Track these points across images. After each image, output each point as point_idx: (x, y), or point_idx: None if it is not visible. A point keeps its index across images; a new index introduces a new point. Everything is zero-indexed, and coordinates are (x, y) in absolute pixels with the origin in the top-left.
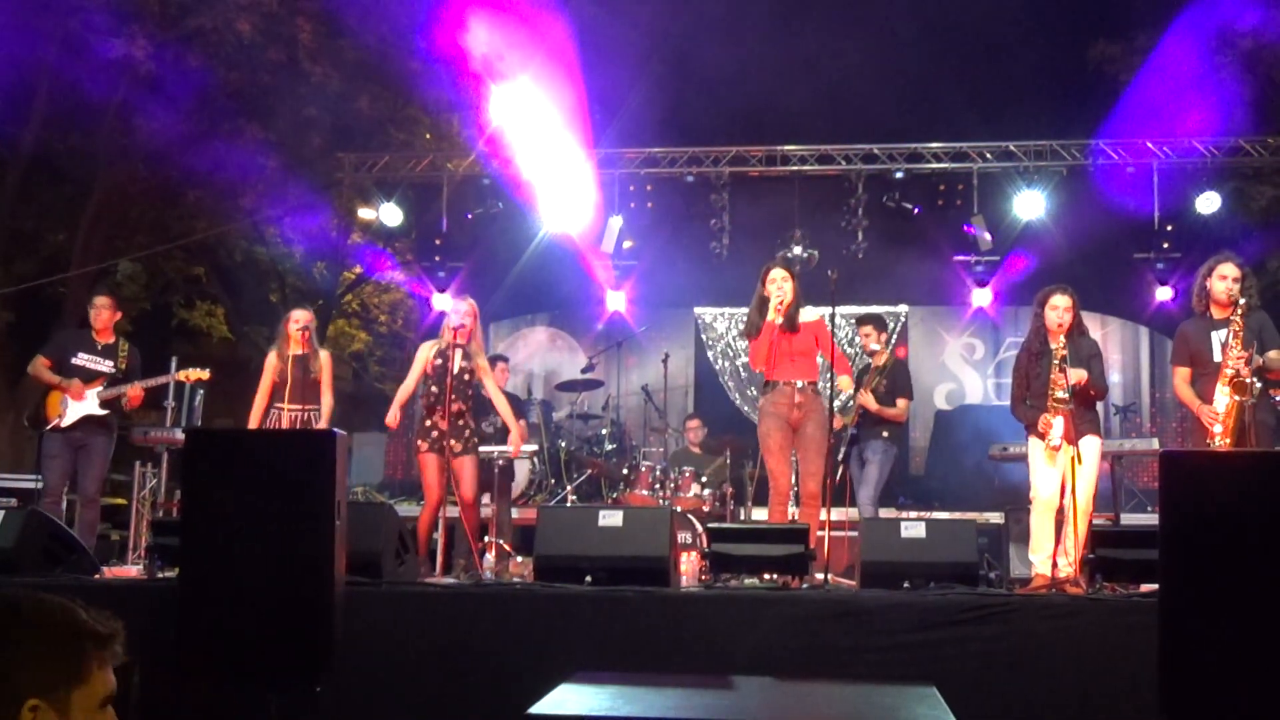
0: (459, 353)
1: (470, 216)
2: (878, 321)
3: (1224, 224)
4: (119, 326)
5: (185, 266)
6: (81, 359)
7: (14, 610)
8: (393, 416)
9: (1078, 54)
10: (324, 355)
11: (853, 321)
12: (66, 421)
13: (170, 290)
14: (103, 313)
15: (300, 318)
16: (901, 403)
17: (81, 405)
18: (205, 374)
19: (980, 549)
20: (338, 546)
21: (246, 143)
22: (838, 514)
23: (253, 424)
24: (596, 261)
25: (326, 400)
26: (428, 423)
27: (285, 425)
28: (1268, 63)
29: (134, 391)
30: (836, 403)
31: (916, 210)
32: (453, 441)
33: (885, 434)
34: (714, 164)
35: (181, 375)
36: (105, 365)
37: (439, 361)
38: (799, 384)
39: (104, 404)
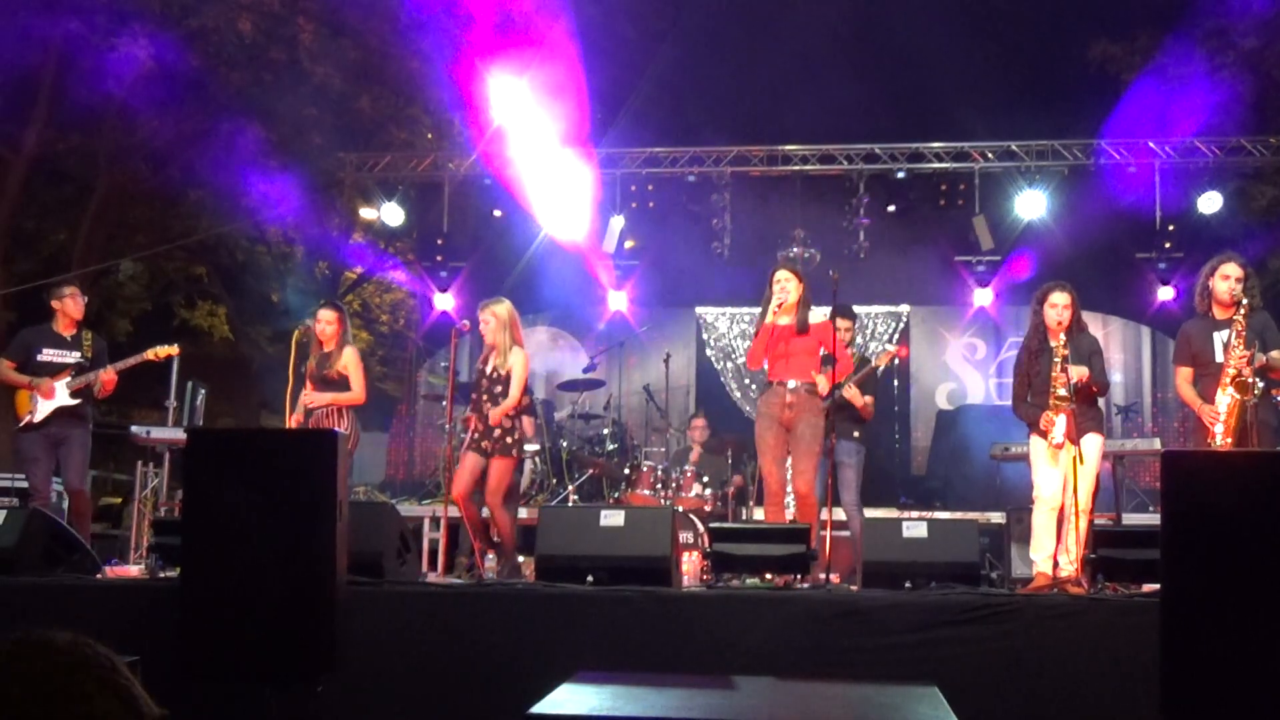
0: (490, 355)
1: (469, 219)
2: (844, 312)
3: (1226, 223)
4: (117, 328)
5: (186, 266)
6: (47, 354)
7: (84, 665)
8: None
9: (1079, 54)
10: (347, 351)
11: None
12: (39, 417)
13: (171, 290)
14: (75, 303)
15: (323, 316)
16: (869, 398)
17: (52, 400)
18: (174, 350)
19: (982, 549)
20: (339, 546)
21: (248, 142)
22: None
23: (290, 422)
24: (598, 261)
25: (353, 387)
26: (473, 423)
27: (310, 422)
28: (1269, 62)
29: (106, 376)
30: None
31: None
32: (485, 443)
33: (856, 434)
34: (715, 164)
35: (151, 354)
36: (71, 356)
37: (481, 368)
38: (790, 384)
39: (75, 394)
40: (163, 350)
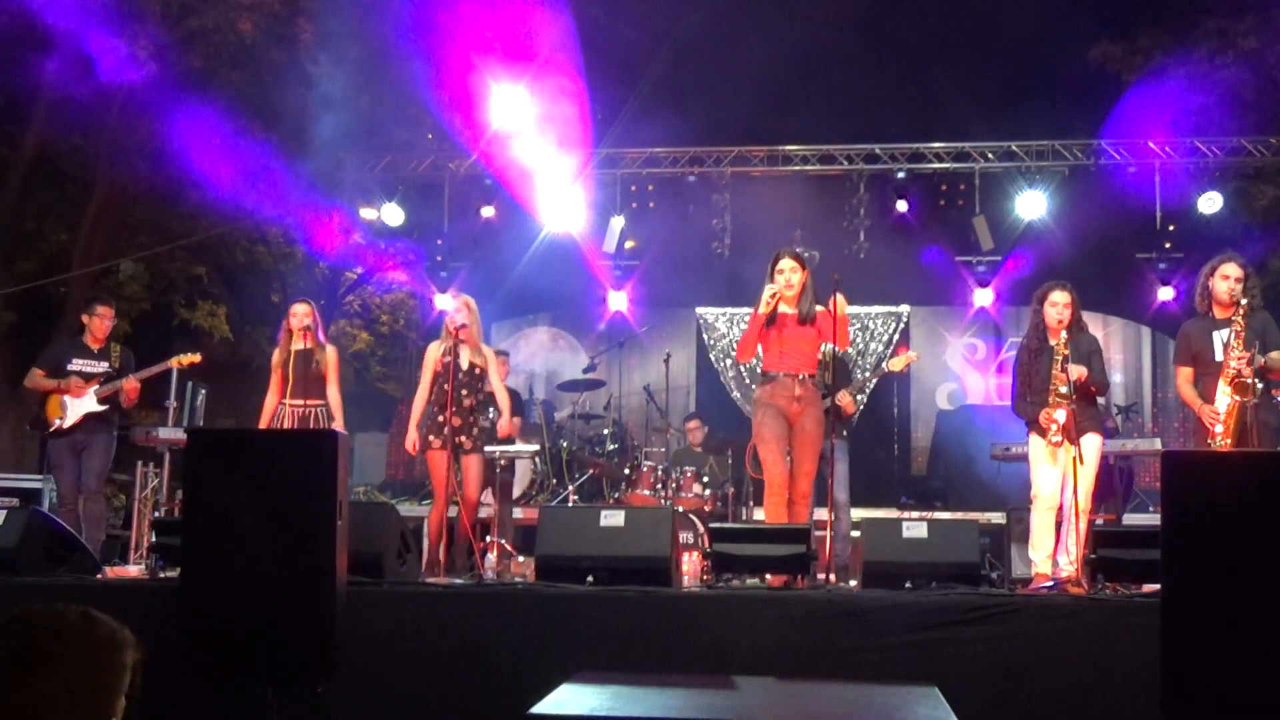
0: (464, 349)
1: (469, 219)
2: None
3: (1226, 224)
4: (116, 330)
5: (187, 266)
6: (76, 364)
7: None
8: (411, 440)
9: (1080, 54)
10: (329, 350)
11: (856, 321)
12: (69, 422)
13: (172, 290)
14: (104, 321)
15: (299, 311)
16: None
17: (81, 403)
18: (196, 357)
19: (982, 549)
20: (339, 546)
21: (248, 143)
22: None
23: (262, 423)
24: (598, 261)
25: (333, 394)
26: (440, 419)
27: (288, 422)
28: (1269, 62)
29: (130, 384)
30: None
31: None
32: (462, 438)
33: (845, 432)
34: (716, 164)
35: (174, 361)
36: (100, 367)
37: (448, 359)
38: (800, 376)
39: (103, 400)
40: (185, 358)
